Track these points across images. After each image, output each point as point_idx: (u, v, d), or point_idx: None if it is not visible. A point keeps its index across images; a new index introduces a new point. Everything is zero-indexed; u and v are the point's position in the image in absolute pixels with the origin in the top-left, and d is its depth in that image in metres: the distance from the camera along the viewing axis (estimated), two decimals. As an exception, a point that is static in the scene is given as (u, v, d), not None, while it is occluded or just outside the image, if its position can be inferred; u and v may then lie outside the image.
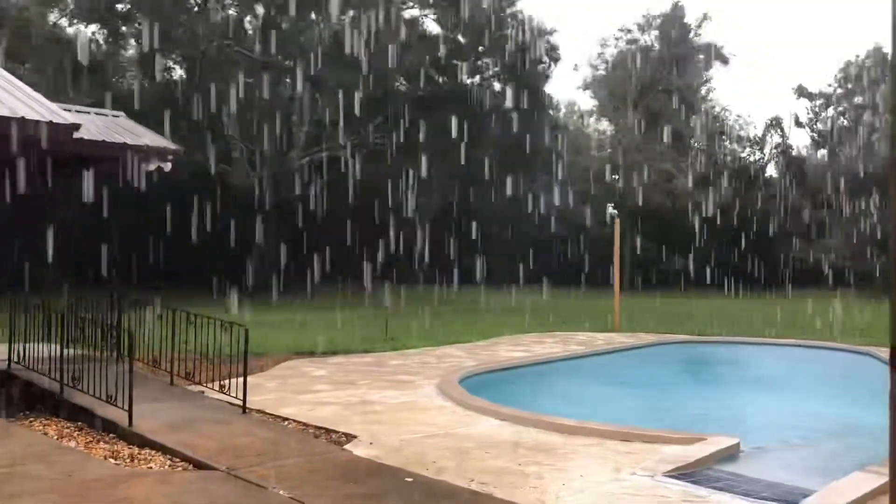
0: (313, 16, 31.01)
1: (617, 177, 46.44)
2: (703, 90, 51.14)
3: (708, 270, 40.20)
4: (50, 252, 14.67)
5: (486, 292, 33.63)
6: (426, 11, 35.16)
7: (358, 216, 36.50)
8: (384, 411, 9.37)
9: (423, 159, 33.47)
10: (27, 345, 9.87)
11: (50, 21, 30.81)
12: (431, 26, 35.69)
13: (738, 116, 53.78)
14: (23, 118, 8.41)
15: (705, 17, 49.56)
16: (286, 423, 8.68)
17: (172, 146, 10.74)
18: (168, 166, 10.79)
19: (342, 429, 8.31)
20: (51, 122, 8.53)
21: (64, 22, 32.37)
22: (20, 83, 10.13)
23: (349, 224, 35.70)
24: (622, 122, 46.10)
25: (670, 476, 6.52)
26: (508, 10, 35.92)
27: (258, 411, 9.04)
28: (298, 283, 32.17)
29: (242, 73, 29.47)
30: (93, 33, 32.30)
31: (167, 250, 30.18)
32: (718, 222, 40.88)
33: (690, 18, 49.34)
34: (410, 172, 34.18)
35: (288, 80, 32.45)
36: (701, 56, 49.20)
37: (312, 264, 31.14)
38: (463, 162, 34.95)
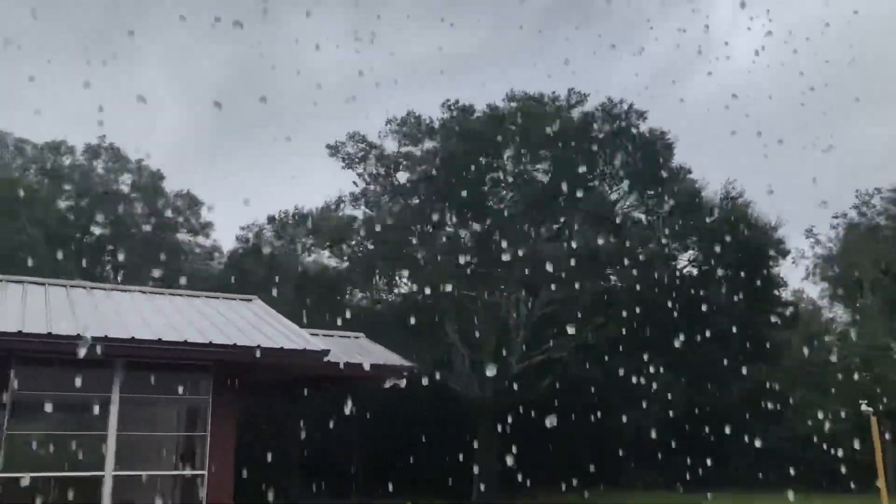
0: (525, 228, 32.54)
1: (857, 365, 42.13)
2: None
3: None
4: (295, 463, 15.58)
5: (727, 498, 30.85)
6: (638, 205, 35.72)
7: (580, 418, 35.68)
8: None
9: (647, 356, 32.61)
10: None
11: (289, 248, 34.93)
12: (641, 215, 36.02)
13: None
14: (282, 348, 9.36)
15: None
16: None
17: (407, 364, 11.35)
18: (403, 383, 11.36)
19: None
20: (305, 349, 9.41)
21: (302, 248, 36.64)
22: (278, 315, 11.39)
23: (572, 426, 34.92)
24: (861, 309, 42.54)
25: None
26: (730, 200, 35.57)
27: None
28: (523, 489, 31.44)
29: (462, 284, 31.08)
30: (335, 260, 35.94)
31: (398, 457, 30.90)
32: None
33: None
34: (634, 370, 33.34)
35: (503, 287, 33.69)
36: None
37: (536, 469, 30.42)
38: (689, 358, 33.67)
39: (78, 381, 8.88)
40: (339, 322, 14.85)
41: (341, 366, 10.50)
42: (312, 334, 11.13)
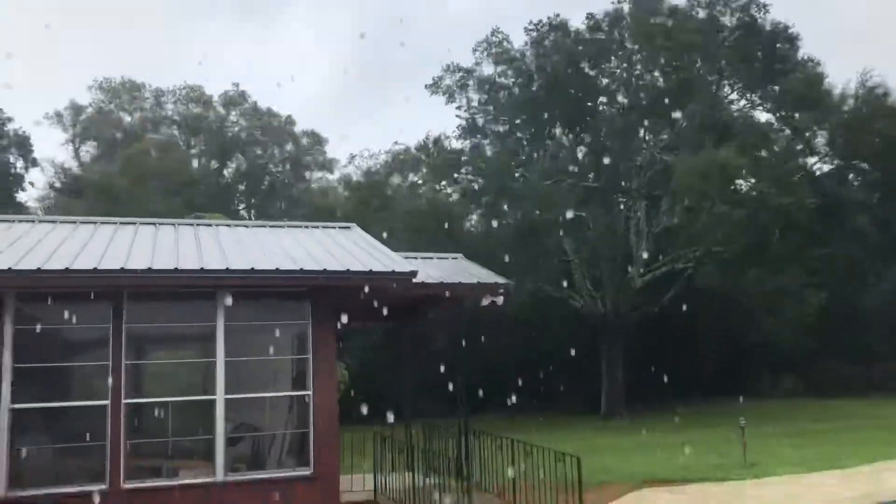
0: (642, 135, 31.32)
1: None
2: None
3: None
4: (408, 385, 16.03)
5: (868, 405, 29.45)
6: (762, 102, 33.52)
7: (709, 328, 34.78)
8: (737, 552, 8.44)
9: (779, 261, 31.08)
10: (388, 475, 10.84)
11: (408, 183, 35.47)
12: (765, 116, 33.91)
13: None
14: (371, 270, 9.54)
15: None
16: (628, 561, 8.21)
17: (502, 281, 11.33)
18: (500, 300, 11.37)
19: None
20: (393, 270, 9.56)
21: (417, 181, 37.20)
22: (374, 242, 11.58)
23: (701, 337, 34.10)
24: None
25: None
26: (867, 90, 32.70)
27: (601, 547, 8.70)
28: (650, 403, 31.21)
29: (578, 198, 30.51)
30: (442, 190, 36.14)
31: (516, 376, 31.28)
32: None
33: None
34: (766, 276, 31.94)
35: (622, 199, 32.84)
36: None
37: (661, 382, 30.00)
38: (826, 260, 31.90)
39: (184, 313, 9.46)
40: (460, 253, 14.82)
41: (434, 284, 10.63)
42: (409, 258, 11.27)
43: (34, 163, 40.99)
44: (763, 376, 34.37)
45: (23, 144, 40.05)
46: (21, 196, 40.19)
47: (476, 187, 33.13)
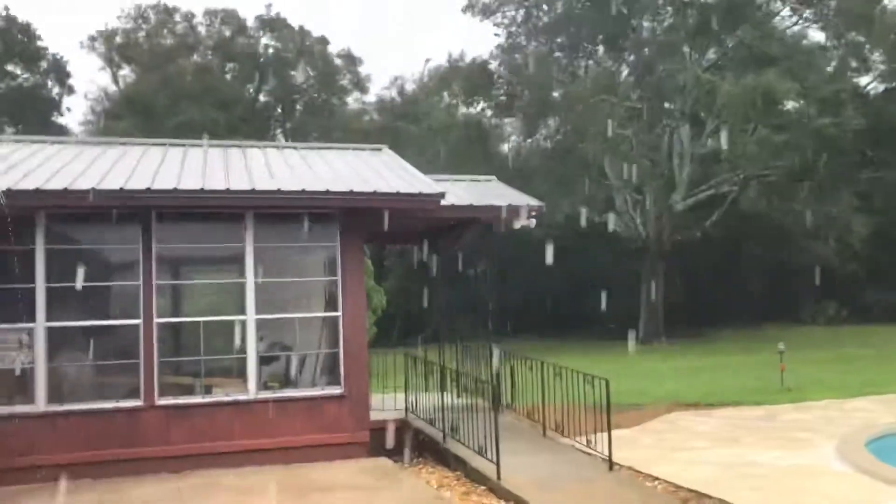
0: (686, 51, 30.11)
1: None
2: None
3: None
4: (443, 308, 16.05)
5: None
6: (815, 20, 31.93)
7: (752, 253, 34.14)
8: (768, 475, 8.33)
9: (826, 185, 30.15)
10: (420, 394, 10.91)
11: (443, 103, 34.80)
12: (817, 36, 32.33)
13: None
14: (398, 192, 9.38)
15: None
16: (655, 483, 8.16)
17: (534, 203, 11.08)
18: (532, 223, 11.16)
19: (716, 494, 7.55)
20: (421, 192, 9.38)
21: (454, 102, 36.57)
22: (404, 163, 11.38)
23: (743, 262, 33.53)
24: None
25: None
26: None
27: (628, 468, 8.66)
28: (691, 328, 30.99)
29: (617, 122, 29.73)
30: (480, 110, 35.41)
31: (556, 300, 31.24)
32: None
33: None
34: (812, 201, 31.07)
35: (665, 121, 31.91)
36: None
37: (703, 308, 29.77)
38: (876, 184, 30.86)
39: (213, 234, 9.44)
40: (493, 175, 14.54)
41: (463, 207, 10.44)
42: (440, 180, 11.06)
43: (70, 90, 41.29)
44: (807, 302, 33.79)
45: (60, 69, 40.26)
46: (62, 120, 40.68)
47: (513, 102, 32.36)
